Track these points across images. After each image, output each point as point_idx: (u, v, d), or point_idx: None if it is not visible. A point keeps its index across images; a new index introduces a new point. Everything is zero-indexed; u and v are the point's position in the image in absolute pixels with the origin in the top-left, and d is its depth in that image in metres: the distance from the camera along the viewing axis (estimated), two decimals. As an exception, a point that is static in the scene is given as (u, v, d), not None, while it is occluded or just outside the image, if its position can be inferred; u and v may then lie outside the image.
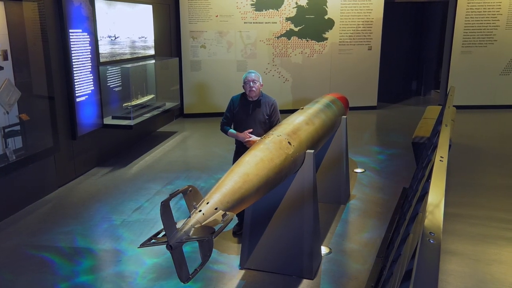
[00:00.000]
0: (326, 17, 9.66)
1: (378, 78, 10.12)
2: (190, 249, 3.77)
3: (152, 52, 7.93)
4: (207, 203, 2.41)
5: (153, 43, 7.95)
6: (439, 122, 4.03)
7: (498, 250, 3.90)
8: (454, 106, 7.15)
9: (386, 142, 7.73)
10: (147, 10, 7.71)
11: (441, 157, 2.35)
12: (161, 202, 2.14)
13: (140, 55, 7.50)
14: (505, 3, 9.74)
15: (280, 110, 4.22)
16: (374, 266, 3.67)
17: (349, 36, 9.81)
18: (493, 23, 9.87)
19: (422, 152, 4.87)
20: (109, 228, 4.43)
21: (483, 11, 9.83)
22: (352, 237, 4.24)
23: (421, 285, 1.21)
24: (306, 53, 9.76)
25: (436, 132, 3.73)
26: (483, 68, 10.08)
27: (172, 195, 2.24)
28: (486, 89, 10.19)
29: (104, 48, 6.37)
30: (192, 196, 2.39)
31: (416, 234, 2.01)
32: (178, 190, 2.31)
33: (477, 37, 9.96)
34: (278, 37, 9.56)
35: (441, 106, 6.42)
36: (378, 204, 5.00)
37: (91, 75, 5.96)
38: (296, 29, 9.60)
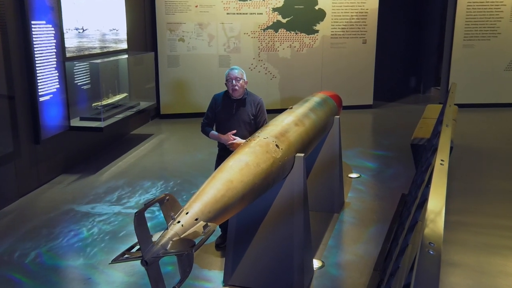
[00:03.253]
0: (316, 7, 9.74)
1: (374, 74, 10.23)
2: (172, 267, 3.75)
3: (124, 46, 7.88)
4: (187, 213, 2.40)
5: (126, 36, 7.90)
6: (439, 122, 4.08)
7: (504, 261, 3.96)
8: (455, 104, 7.26)
9: (383, 144, 7.81)
10: (119, -1, 7.68)
11: (441, 160, 2.39)
12: (135, 213, 2.13)
13: (111, 50, 7.44)
14: (509, -7, 9.95)
15: (267, 110, 4.24)
16: (370, 280, 3.70)
17: (342, 28, 9.90)
18: (496, 15, 10.05)
19: (422, 155, 4.93)
20: (77, 242, 4.38)
21: (486, 2, 10.01)
22: (347, 248, 4.26)
23: (421, 300, 1.23)
24: (295, 47, 9.81)
25: (436, 133, 3.78)
26: (487, 63, 10.25)
27: (148, 205, 2.23)
28: (490, 86, 10.36)
29: (71, 42, 6.31)
30: (170, 206, 2.38)
31: (415, 244, 2.04)
32: (154, 199, 2.31)
33: (480, 30, 10.13)
34: (264, 30, 9.60)
35: (441, 105, 6.51)
36: (374, 212, 5.05)
37: (56, 71, 5.90)
38: (284, 21, 9.65)
